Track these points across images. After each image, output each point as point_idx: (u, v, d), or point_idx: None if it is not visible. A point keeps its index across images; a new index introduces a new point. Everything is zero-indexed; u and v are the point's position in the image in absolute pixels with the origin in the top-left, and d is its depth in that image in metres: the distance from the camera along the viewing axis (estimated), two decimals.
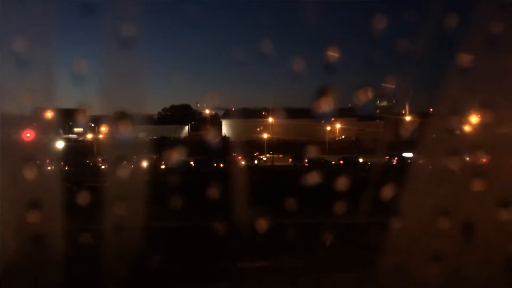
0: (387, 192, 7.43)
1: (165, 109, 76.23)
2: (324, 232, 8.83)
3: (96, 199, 9.09)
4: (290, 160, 39.78)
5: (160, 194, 9.63)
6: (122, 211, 7.78)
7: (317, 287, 7.83)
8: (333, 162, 39.16)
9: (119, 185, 8.33)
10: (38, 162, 7.24)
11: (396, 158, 31.35)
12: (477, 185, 5.96)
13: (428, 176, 6.46)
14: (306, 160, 37.26)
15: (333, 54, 8.52)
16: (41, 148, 8.02)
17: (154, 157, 30.09)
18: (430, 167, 6.81)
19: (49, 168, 7.91)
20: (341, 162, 39.15)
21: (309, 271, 8.46)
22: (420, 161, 7.05)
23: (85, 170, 28.91)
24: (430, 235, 6.09)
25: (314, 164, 35.10)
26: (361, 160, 38.30)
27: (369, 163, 28.41)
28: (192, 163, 36.69)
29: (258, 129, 57.17)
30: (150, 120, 61.05)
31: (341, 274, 7.94)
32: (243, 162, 39.41)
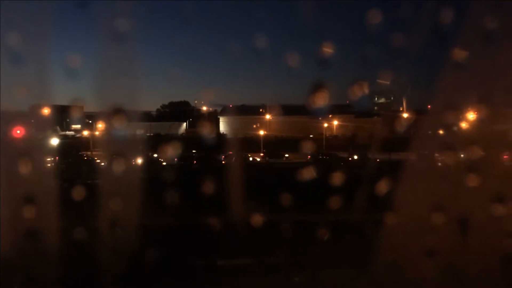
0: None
1: (164, 106, 76.15)
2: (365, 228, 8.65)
3: (85, 196, 9.05)
4: (309, 157, 39.94)
5: (152, 190, 9.50)
6: (112, 208, 7.75)
7: (314, 284, 7.84)
8: (349, 159, 39.07)
9: (112, 182, 8.30)
10: (29, 159, 7.20)
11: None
12: (493, 181, 5.96)
13: (450, 172, 6.40)
14: (320, 157, 37.83)
15: (331, 51, 8.52)
16: (34, 145, 7.98)
17: (149, 154, 30.09)
18: (440, 164, 6.79)
19: (41, 165, 7.85)
20: (350, 158, 38.97)
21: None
22: (438, 158, 6.97)
23: (79, 167, 28.87)
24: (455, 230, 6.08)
25: (331, 160, 35.98)
26: (354, 156, 38.31)
27: (377, 160, 28.07)
28: (186, 160, 36.82)
29: (254, 126, 57.12)
30: (149, 117, 61.00)
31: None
32: (261, 159, 39.49)
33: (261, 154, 42.30)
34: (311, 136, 51.27)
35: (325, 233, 8.67)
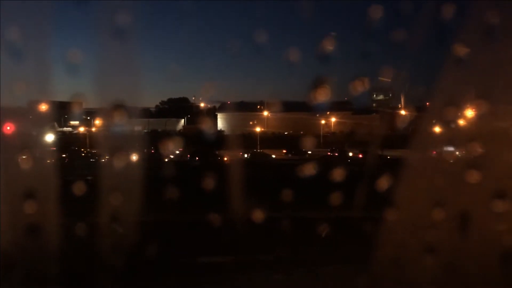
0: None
1: (162, 102, 76.22)
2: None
3: (75, 193, 9.00)
4: (329, 153, 39.95)
5: (141, 187, 9.39)
6: (107, 205, 7.69)
7: (313, 280, 7.84)
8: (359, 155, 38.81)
9: (106, 178, 8.23)
10: (21, 155, 7.15)
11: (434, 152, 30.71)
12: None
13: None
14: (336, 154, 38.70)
15: (329, 48, 8.48)
16: (27, 141, 7.92)
17: (145, 150, 30.07)
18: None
19: (34, 161, 7.71)
20: (360, 155, 38.64)
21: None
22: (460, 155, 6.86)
23: (75, 163, 28.87)
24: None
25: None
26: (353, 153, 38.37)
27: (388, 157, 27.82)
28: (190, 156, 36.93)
29: (251, 123, 57.09)
30: (148, 113, 61.01)
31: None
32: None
33: (284, 151, 41.78)
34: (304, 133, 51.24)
35: None
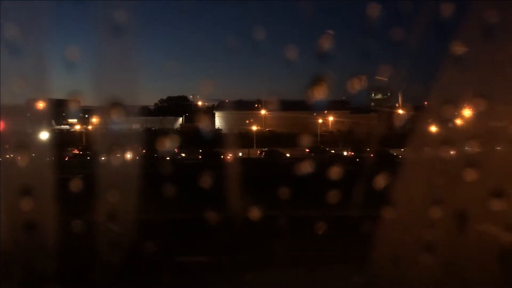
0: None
1: (162, 101, 76.22)
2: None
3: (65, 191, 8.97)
4: (350, 152, 39.75)
5: (141, 185, 9.33)
6: (103, 203, 7.66)
7: (311, 279, 7.83)
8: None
9: (100, 177, 8.20)
10: (15, 153, 7.12)
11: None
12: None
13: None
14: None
15: (328, 46, 8.46)
16: (22, 139, 7.88)
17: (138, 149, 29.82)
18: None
19: (28, 159, 7.66)
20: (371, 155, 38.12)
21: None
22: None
23: (63, 161, 28.82)
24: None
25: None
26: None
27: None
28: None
29: (247, 121, 56.96)
30: (147, 111, 61.04)
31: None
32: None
33: (307, 150, 41.11)
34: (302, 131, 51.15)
35: None
